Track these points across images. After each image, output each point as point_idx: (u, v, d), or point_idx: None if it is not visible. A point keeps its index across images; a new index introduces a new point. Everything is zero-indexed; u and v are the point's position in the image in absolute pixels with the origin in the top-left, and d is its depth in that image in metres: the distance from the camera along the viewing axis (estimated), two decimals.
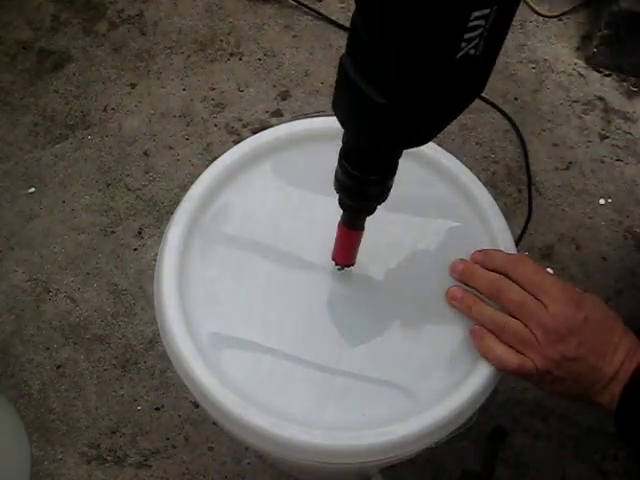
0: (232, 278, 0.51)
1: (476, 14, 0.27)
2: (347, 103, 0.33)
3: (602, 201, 1.02)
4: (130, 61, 1.15)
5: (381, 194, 0.41)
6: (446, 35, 0.28)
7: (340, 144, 0.38)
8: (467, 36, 0.28)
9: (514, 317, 0.44)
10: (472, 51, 0.29)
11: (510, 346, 0.43)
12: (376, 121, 0.32)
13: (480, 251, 0.48)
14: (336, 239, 0.47)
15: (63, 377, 0.87)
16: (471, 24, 0.28)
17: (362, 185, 0.40)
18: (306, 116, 0.57)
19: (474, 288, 0.47)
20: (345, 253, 0.49)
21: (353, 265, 0.50)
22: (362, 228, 0.46)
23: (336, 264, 0.49)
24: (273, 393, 0.46)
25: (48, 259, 0.95)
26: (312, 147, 0.55)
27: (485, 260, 0.47)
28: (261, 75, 1.13)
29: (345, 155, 0.39)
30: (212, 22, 1.19)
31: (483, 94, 1.10)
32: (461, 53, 0.29)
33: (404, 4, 0.27)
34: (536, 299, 0.44)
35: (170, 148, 1.05)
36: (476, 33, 0.28)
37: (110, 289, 0.93)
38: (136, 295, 0.92)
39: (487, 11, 0.28)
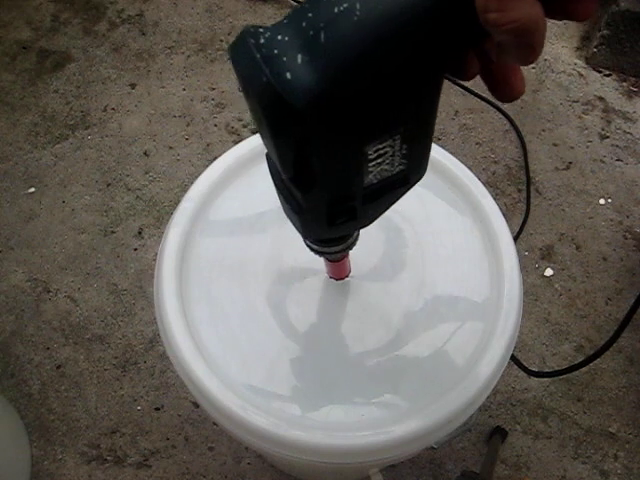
0: (232, 278, 0.51)
1: (374, 149, 0.26)
2: (285, 211, 0.34)
3: (602, 201, 1.02)
4: (130, 61, 1.15)
5: (353, 244, 0.41)
6: (343, 171, 0.27)
7: None
8: (372, 164, 0.27)
9: None
10: (387, 167, 0.28)
11: None
12: (301, 226, 0.32)
13: None
14: (325, 264, 0.47)
15: (63, 377, 0.87)
16: (372, 156, 0.27)
17: (328, 250, 0.40)
18: None
19: None
20: (337, 272, 0.49)
21: (348, 275, 0.50)
22: (346, 257, 0.45)
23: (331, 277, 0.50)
24: (273, 393, 0.46)
25: (48, 259, 0.95)
26: None
27: None
28: None
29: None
30: (212, 22, 1.19)
31: (483, 94, 1.10)
32: (372, 174, 0.28)
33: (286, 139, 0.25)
34: None
35: (170, 148, 1.05)
36: (383, 159, 0.27)
37: (110, 289, 0.93)
38: (136, 295, 0.92)
39: (388, 142, 0.26)
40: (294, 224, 0.34)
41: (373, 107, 0.24)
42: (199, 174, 0.54)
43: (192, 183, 0.54)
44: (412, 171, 0.32)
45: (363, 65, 0.22)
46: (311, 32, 0.22)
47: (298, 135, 0.24)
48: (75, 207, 1.00)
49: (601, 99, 1.12)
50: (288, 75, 0.22)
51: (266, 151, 0.29)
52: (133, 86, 1.12)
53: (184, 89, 1.11)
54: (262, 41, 0.22)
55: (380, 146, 0.26)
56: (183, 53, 1.16)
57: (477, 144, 1.06)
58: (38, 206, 1.00)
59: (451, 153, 0.55)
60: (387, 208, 0.35)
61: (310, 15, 0.22)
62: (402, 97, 0.25)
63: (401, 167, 0.29)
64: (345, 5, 0.22)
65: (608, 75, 1.15)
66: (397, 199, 0.34)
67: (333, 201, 0.30)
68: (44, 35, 1.18)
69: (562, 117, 1.10)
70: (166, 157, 1.04)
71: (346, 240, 0.39)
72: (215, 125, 1.07)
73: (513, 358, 0.82)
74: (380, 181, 0.29)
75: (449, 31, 0.23)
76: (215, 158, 0.55)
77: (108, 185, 1.02)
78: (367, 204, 0.31)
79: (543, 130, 1.08)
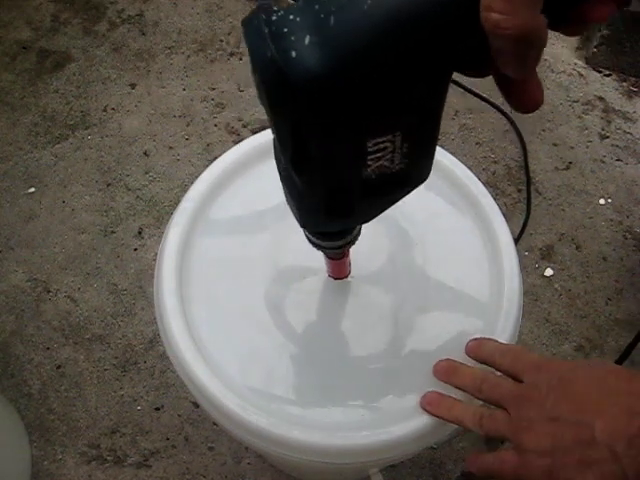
0: (232, 278, 0.51)
1: (374, 142, 0.26)
2: (286, 197, 0.34)
3: (602, 201, 1.02)
4: (130, 61, 1.15)
5: (354, 240, 0.40)
6: (345, 160, 0.27)
7: None
8: (372, 157, 0.27)
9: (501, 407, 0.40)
10: (387, 163, 0.28)
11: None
12: (299, 214, 0.33)
13: (474, 340, 0.46)
14: (326, 262, 0.47)
15: (63, 377, 0.87)
16: (372, 149, 0.27)
17: (329, 245, 0.40)
18: None
19: (457, 386, 0.44)
20: (337, 271, 0.49)
21: (348, 275, 0.50)
22: (346, 255, 0.45)
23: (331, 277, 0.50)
24: (273, 393, 0.46)
25: (48, 259, 0.95)
26: None
27: (477, 349, 0.45)
28: None
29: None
30: (212, 22, 1.19)
31: (483, 94, 1.10)
32: (371, 168, 0.28)
33: (300, 126, 0.26)
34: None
35: (170, 148, 1.05)
36: (383, 153, 0.27)
37: (110, 289, 0.93)
38: (136, 295, 0.92)
39: (388, 137, 0.26)
40: (293, 213, 0.34)
41: (374, 99, 0.24)
42: (199, 174, 0.54)
43: (192, 183, 0.54)
44: (414, 173, 0.32)
45: (368, 54, 0.23)
46: (322, 15, 0.22)
47: (296, 115, 0.25)
48: (75, 207, 1.00)
49: (601, 99, 1.12)
50: (293, 54, 0.22)
51: (273, 136, 0.29)
52: (133, 86, 1.12)
53: (184, 89, 1.11)
54: (274, 18, 0.23)
55: (380, 140, 0.26)
56: (183, 53, 1.16)
57: (477, 144, 1.06)
58: (38, 206, 1.00)
59: (451, 153, 0.55)
60: (387, 207, 0.34)
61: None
62: (404, 93, 0.25)
63: (401, 166, 0.29)
64: None
65: (608, 75, 1.15)
66: (397, 199, 0.34)
67: (330, 191, 0.30)
68: (44, 35, 1.18)
69: (562, 117, 1.10)
70: (166, 157, 1.04)
71: (346, 236, 0.39)
72: (215, 125, 1.07)
73: None
74: (379, 177, 0.29)
75: (456, 30, 0.23)
76: (215, 158, 0.55)
77: (108, 185, 1.02)
78: (365, 199, 0.31)
79: (543, 130, 1.08)
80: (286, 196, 0.33)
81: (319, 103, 0.24)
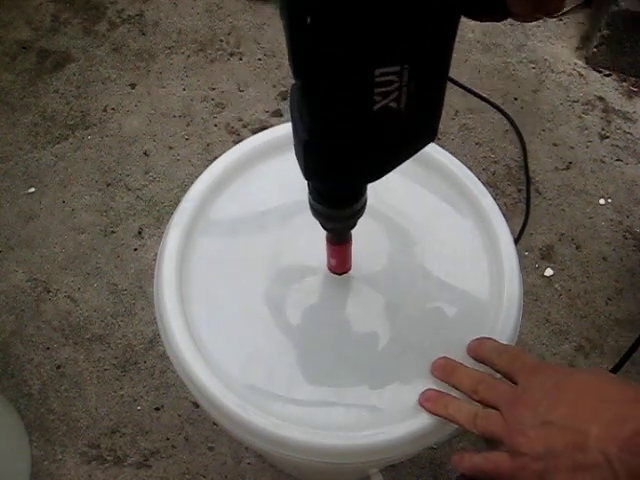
0: (232, 278, 0.51)
1: (382, 71, 0.27)
2: (294, 142, 0.34)
3: (602, 201, 1.02)
4: (130, 61, 1.15)
5: (357, 214, 0.40)
6: (352, 88, 0.28)
7: None
8: (378, 90, 0.28)
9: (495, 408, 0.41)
10: (393, 104, 0.29)
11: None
12: (304, 157, 0.33)
13: (475, 339, 0.46)
14: (327, 252, 0.47)
15: (63, 377, 0.87)
16: (379, 80, 0.27)
17: (335, 214, 0.39)
18: None
19: (454, 386, 0.44)
20: (338, 264, 0.49)
21: (349, 271, 0.50)
22: (349, 240, 0.45)
23: (332, 272, 0.50)
24: (273, 393, 0.46)
25: (48, 259, 0.95)
26: None
27: (477, 348, 0.45)
28: (261, 75, 1.13)
29: (309, 191, 0.38)
30: (212, 22, 1.19)
31: (483, 94, 1.10)
32: (378, 106, 0.28)
33: (310, 59, 0.27)
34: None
35: (170, 148, 1.05)
36: (390, 88, 0.28)
37: (110, 289, 0.93)
38: (136, 295, 0.92)
39: (396, 68, 0.27)
40: (299, 164, 0.34)
41: (384, 21, 0.25)
42: (199, 174, 0.54)
43: (192, 183, 0.54)
44: (420, 124, 0.31)
45: None
46: None
47: (310, 31, 0.25)
48: (75, 207, 1.00)
49: (601, 99, 1.12)
50: None
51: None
52: (133, 86, 1.12)
53: (184, 89, 1.11)
54: None
55: (387, 70, 0.27)
56: (183, 53, 1.16)
57: (477, 144, 1.06)
58: (38, 206, 1.00)
59: (451, 153, 0.55)
60: (392, 166, 0.34)
61: None
62: (414, 22, 0.26)
63: (408, 110, 0.29)
64: None
65: (608, 75, 1.15)
66: (400, 159, 0.34)
67: (337, 129, 0.30)
68: (44, 35, 1.18)
69: (562, 117, 1.10)
70: (166, 157, 1.04)
71: (349, 204, 0.38)
72: (215, 125, 1.07)
73: None
74: (385, 118, 0.29)
75: None
76: (215, 158, 0.55)
77: (108, 185, 1.02)
78: (371, 147, 0.31)
79: (543, 130, 1.08)
80: (295, 147, 0.33)
81: (332, 18, 0.25)
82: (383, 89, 0.28)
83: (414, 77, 0.28)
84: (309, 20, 0.25)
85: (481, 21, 0.29)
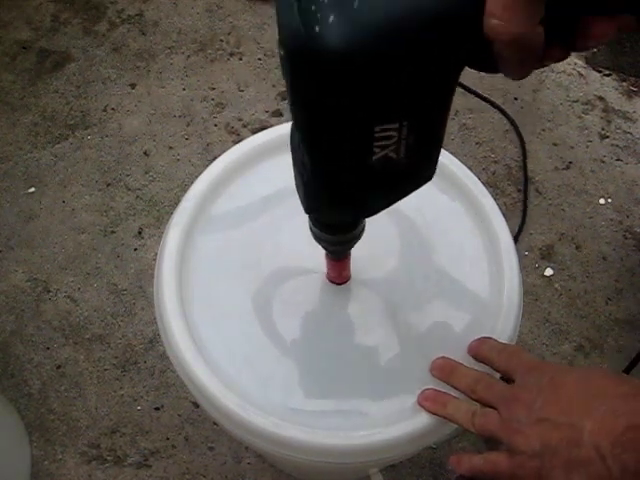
0: (232, 278, 0.51)
1: (381, 127, 0.28)
2: (294, 173, 0.35)
3: (602, 201, 1.02)
4: (130, 61, 1.15)
5: (357, 237, 0.41)
6: (351, 141, 0.29)
7: None
8: (378, 144, 0.29)
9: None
10: (392, 154, 0.29)
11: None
12: (304, 193, 0.34)
13: (476, 339, 0.46)
14: (327, 265, 0.48)
15: (63, 377, 0.87)
16: (378, 135, 0.28)
17: (335, 239, 0.40)
18: None
19: (453, 385, 0.44)
20: (337, 276, 0.49)
21: (348, 281, 0.50)
22: (347, 256, 0.46)
23: (331, 282, 0.50)
24: (273, 393, 0.46)
25: (48, 259, 0.95)
26: None
27: (477, 348, 0.45)
28: (261, 75, 1.13)
29: (309, 218, 0.39)
30: (212, 22, 1.19)
31: (483, 94, 1.10)
32: (377, 157, 0.29)
33: (311, 115, 0.28)
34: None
35: (170, 148, 1.05)
36: (389, 142, 0.29)
37: (110, 289, 0.93)
38: (136, 295, 0.92)
39: (395, 125, 0.28)
40: (300, 198, 0.35)
41: (384, 82, 0.26)
42: (199, 174, 0.54)
43: (192, 183, 0.54)
44: (418, 170, 0.32)
45: (383, 39, 0.24)
46: None
47: (311, 89, 0.26)
48: (75, 207, 1.00)
49: (601, 99, 1.12)
50: (317, 29, 0.24)
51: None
52: (133, 86, 1.12)
53: (184, 89, 1.11)
54: None
55: (386, 127, 0.28)
56: (183, 53, 1.16)
57: (477, 144, 1.06)
58: (38, 206, 1.00)
59: (451, 153, 0.55)
60: (391, 203, 0.35)
61: None
62: (413, 82, 0.27)
63: (406, 160, 0.30)
64: None
65: (608, 75, 1.15)
66: (401, 196, 0.35)
67: (336, 174, 0.31)
68: (44, 35, 1.18)
69: (562, 117, 1.10)
70: (166, 157, 1.04)
71: (348, 231, 0.39)
72: (215, 125, 1.07)
73: None
74: (384, 167, 0.30)
75: (462, 30, 0.25)
76: (215, 158, 0.55)
77: (108, 185, 1.02)
78: (370, 190, 0.32)
79: (543, 130, 1.08)
80: (295, 179, 0.34)
81: (334, 78, 0.25)
82: (382, 143, 0.29)
83: (413, 132, 0.29)
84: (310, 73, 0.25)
85: (480, 71, 0.30)
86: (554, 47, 0.27)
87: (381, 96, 0.26)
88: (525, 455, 0.36)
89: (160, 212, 0.99)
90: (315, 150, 0.30)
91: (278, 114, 1.06)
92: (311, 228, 0.40)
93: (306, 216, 0.40)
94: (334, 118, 0.27)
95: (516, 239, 0.96)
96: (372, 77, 0.25)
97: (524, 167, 1.03)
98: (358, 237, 0.41)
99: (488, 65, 0.27)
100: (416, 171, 0.33)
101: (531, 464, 0.36)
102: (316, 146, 0.30)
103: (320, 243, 0.41)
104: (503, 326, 0.47)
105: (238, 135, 1.06)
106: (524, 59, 0.26)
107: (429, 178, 0.34)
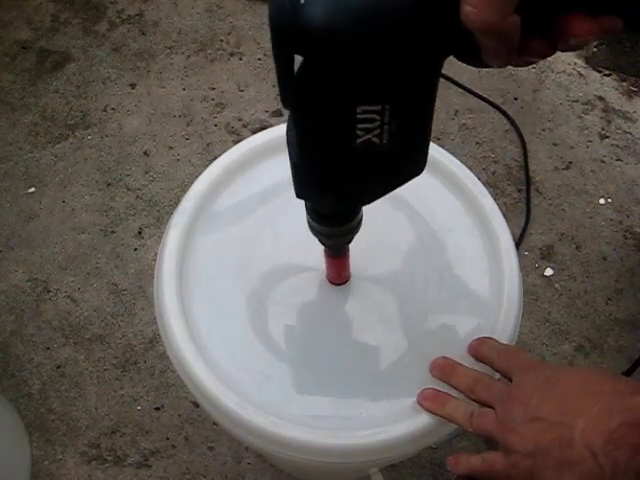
0: (232, 278, 0.51)
1: (363, 108, 0.28)
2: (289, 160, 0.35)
3: (602, 201, 1.02)
4: (130, 61, 1.15)
5: (354, 230, 0.41)
6: (335, 121, 0.29)
7: None
8: (360, 126, 0.29)
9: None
10: (376, 140, 0.30)
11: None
12: (294, 177, 0.34)
13: (476, 339, 0.46)
14: (325, 265, 0.48)
15: (63, 377, 0.87)
16: (361, 116, 0.28)
17: (330, 232, 0.40)
18: None
19: (453, 385, 0.44)
20: (336, 276, 0.49)
21: (347, 282, 0.50)
22: (346, 254, 0.46)
23: (331, 283, 0.50)
24: (273, 393, 0.46)
25: (48, 259, 0.95)
26: None
27: (477, 348, 0.45)
28: (261, 75, 1.13)
29: (306, 210, 0.39)
30: (212, 22, 1.19)
31: (483, 94, 1.10)
32: (360, 140, 0.29)
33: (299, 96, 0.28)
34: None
35: (170, 148, 1.05)
36: (371, 125, 0.29)
37: (110, 289, 0.93)
38: (136, 295, 0.92)
39: (377, 107, 0.28)
40: (293, 184, 0.35)
41: (365, 61, 0.26)
42: (199, 174, 0.54)
43: (192, 183, 0.54)
44: (403, 160, 0.33)
45: (364, 19, 0.24)
46: None
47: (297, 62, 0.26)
48: (75, 207, 1.00)
49: (601, 99, 1.12)
50: (302, 1, 0.24)
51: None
52: (133, 86, 1.12)
53: (184, 89, 1.11)
54: None
55: (369, 108, 0.28)
56: (183, 53, 1.16)
57: (477, 144, 1.06)
58: (38, 206, 1.00)
59: (451, 153, 0.55)
60: (380, 194, 0.35)
61: None
62: (394, 64, 0.27)
63: (390, 147, 0.30)
64: None
65: (608, 75, 1.15)
66: (388, 188, 0.35)
67: (322, 157, 0.31)
68: (44, 35, 1.18)
69: (562, 117, 1.10)
70: (166, 157, 1.04)
71: (344, 222, 0.39)
72: (215, 125, 1.07)
73: None
74: (368, 152, 0.30)
75: (440, 18, 0.25)
76: (215, 158, 0.55)
77: (108, 185, 1.02)
78: (356, 176, 0.32)
79: (543, 130, 1.08)
80: (290, 165, 0.35)
81: (316, 52, 0.25)
82: (365, 125, 0.29)
83: (395, 117, 0.29)
84: (296, 58, 0.26)
85: (466, 63, 0.30)
86: (534, 40, 0.27)
87: (363, 75, 0.27)
88: (519, 454, 0.36)
89: (160, 212, 0.99)
90: (301, 129, 0.30)
91: (278, 114, 1.06)
92: (308, 221, 0.40)
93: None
94: (317, 94, 0.27)
95: (520, 239, 0.96)
96: (354, 55, 0.26)
97: (525, 167, 1.03)
98: (355, 230, 0.41)
99: (473, 55, 0.27)
100: (402, 161, 0.33)
101: (524, 463, 0.36)
102: (302, 124, 0.30)
103: (317, 236, 0.41)
104: (503, 326, 0.47)
105: (238, 135, 1.06)
106: (499, 48, 0.26)
107: (418, 172, 0.34)
